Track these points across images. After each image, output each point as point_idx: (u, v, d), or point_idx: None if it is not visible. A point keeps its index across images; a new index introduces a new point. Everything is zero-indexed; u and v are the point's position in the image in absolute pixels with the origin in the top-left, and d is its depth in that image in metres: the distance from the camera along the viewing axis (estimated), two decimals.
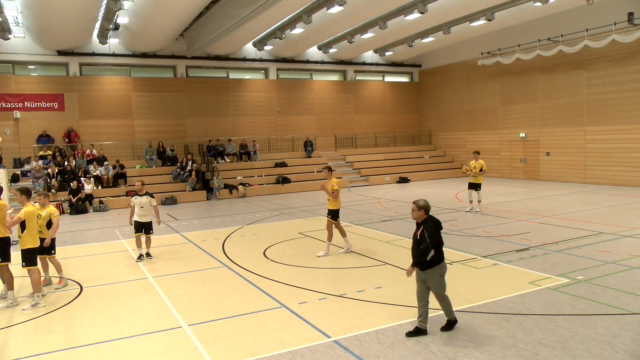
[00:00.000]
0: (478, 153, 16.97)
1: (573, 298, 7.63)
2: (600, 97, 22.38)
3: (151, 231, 11.34)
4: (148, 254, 11.38)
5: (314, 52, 29.44)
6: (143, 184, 11.40)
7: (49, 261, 9.48)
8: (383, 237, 12.78)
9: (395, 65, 32.38)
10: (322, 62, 29.99)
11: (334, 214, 11.22)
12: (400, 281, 8.87)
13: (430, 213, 6.77)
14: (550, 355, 5.76)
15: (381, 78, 32.55)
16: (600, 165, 22.53)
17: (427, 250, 6.37)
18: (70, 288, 9.29)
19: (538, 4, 20.67)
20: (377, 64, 31.59)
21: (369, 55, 31.02)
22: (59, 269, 9.45)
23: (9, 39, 22.15)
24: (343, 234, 11.33)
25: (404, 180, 27.28)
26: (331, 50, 28.90)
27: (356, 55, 30.21)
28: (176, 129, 26.25)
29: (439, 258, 6.51)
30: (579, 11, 21.96)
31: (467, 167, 16.92)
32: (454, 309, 6.71)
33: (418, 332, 6.45)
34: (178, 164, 24.46)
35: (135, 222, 11.17)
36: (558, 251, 10.60)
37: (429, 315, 6.56)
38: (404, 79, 33.57)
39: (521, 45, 24.51)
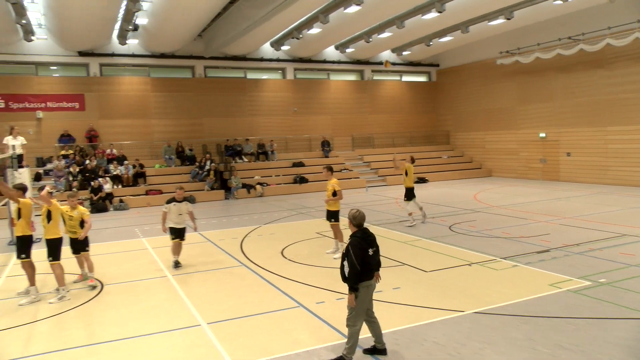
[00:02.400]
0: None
1: (594, 301, 7.53)
2: (620, 97, 21.99)
3: (184, 238, 10.84)
4: (178, 264, 10.72)
5: (330, 52, 29.45)
6: (182, 189, 10.86)
7: (83, 259, 9.63)
8: (400, 237, 12.76)
9: (413, 65, 32.23)
10: (339, 62, 29.98)
11: (334, 216, 11.18)
12: (418, 282, 8.85)
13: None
14: (568, 359, 5.70)
15: (398, 78, 32.43)
16: (621, 166, 22.14)
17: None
18: (86, 287, 9.43)
19: (558, 1, 20.41)
20: (394, 64, 31.47)
21: (387, 55, 30.91)
22: (91, 268, 9.55)
23: (32, 40, 22.55)
24: (341, 238, 11.21)
25: (422, 180, 27.14)
26: (348, 50, 28.88)
27: (373, 54, 30.15)
28: (194, 129, 26.47)
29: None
30: (601, 9, 21.61)
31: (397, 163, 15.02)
32: (471, 311, 6.65)
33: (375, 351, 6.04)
34: (196, 163, 24.66)
35: (172, 228, 10.63)
36: (579, 253, 10.46)
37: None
38: (422, 78, 33.39)
39: (541, 44, 24.22)
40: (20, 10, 19.05)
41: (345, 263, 5.70)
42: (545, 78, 25.38)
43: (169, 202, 10.69)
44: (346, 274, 5.70)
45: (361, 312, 5.80)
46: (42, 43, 23.39)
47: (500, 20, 22.90)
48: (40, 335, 7.15)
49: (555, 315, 7.01)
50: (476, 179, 27.60)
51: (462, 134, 31.43)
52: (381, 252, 6.20)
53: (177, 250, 10.68)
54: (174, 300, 8.40)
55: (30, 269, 8.74)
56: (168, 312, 7.85)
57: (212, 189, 23.34)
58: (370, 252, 5.80)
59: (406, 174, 14.53)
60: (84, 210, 9.44)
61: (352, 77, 31.20)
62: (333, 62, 29.76)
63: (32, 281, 8.75)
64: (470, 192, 21.89)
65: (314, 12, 21.14)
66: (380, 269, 6.16)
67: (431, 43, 27.43)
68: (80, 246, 9.45)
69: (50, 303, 8.42)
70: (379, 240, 6.08)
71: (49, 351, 6.53)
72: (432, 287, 8.60)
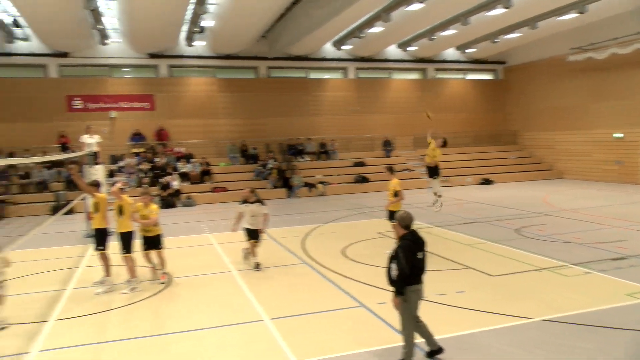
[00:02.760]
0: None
1: None
2: None
3: (259, 239, 10.50)
4: (258, 265, 10.38)
5: (392, 51, 29.17)
6: (252, 191, 10.64)
7: (157, 255, 9.77)
8: (464, 239, 12.44)
9: (478, 63, 31.36)
10: (401, 61, 29.64)
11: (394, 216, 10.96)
12: (483, 286, 8.61)
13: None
14: None
15: (462, 76, 31.65)
16: None
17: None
18: (157, 279, 9.81)
19: None
20: (458, 62, 30.76)
21: (450, 53, 30.26)
22: (163, 264, 9.79)
23: (107, 44, 23.79)
24: None
25: (487, 181, 26.37)
26: (410, 49, 28.49)
27: (436, 52, 29.59)
28: (258, 128, 27.00)
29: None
30: None
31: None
32: (539, 318, 6.38)
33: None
34: (260, 162, 25.17)
35: (246, 229, 10.43)
36: None
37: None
38: (487, 76, 32.41)
39: (617, 39, 22.88)
40: (97, 16, 20.13)
41: (393, 266, 5.59)
42: (622, 74, 23.95)
43: (243, 202, 10.54)
44: (393, 277, 5.59)
45: (411, 317, 5.71)
46: (116, 46, 24.66)
47: (571, 15, 21.83)
48: (113, 323, 7.54)
49: (632, 327, 6.61)
50: (546, 181, 26.46)
51: (530, 133, 30.25)
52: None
53: (252, 251, 10.46)
54: (237, 295, 8.61)
55: (105, 260, 9.26)
56: (232, 306, 8.06)
57: (275, 187, 23.73)
58: (420, 255, 5.68)
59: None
60: (154, 207, 9.64)
61: (414, 76, 30.77)
62: (395, 60, 29.47)
63: (107, 272, 9.25)
64: (540, 194, 21.02)
65: (376, 10, 21.02)
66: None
67: (497, 40, 26.57)
68: (153, 244, 9.62)
69: (122, 293, 8.87)
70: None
71: (121, 339, 6.88)
72: (498, 291, 8.34)
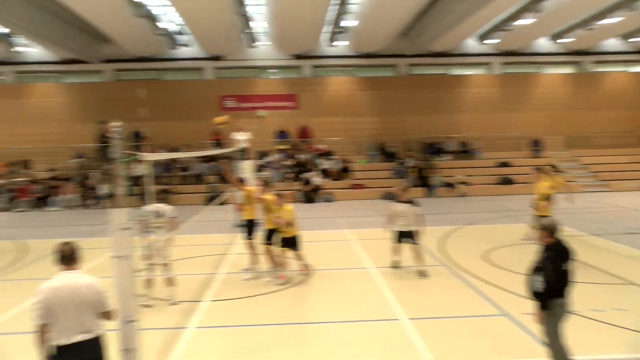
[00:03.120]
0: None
1: None
2: None
3: (415, 241, 9.73)
4: (424, 273, 9.57)
5: (542, 43, 27.12)
6: (404, 189, 10.12)
7: (294, 256, 9.71)
8: (627, 251, 11.15)
9: None
10: (553, 54, 27.46)
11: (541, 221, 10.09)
12: None
13: None
14: None
15: (625, 68, 28.37)
16: None
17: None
18: (302, 270, 10.22)
19: None
20: (621, 52, 27.63)
21: (611, 43, 27.29)
22: (283, 265, 9.55)
23: (256, 47, 25.43)
24: None
25: None
26: (563, 40, 26.23)
27: (594, 43, 26.89)
28: (396, 126, 26.88)
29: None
30: None
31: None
32: None
33: None
34: (398, 160, 25.07)
35: (396, 231, 9.88)
36: None
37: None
38: None
39: None
40: (246, 21, 21.58)
41: (537, 277, 5.15)
42: None
43: (394, 201, 10.08)
44: (537, 289, 5.16)
45: (557, 333, 5.24)
46: (265, 48, 26.26)
47: None
48: (258, 308, 8.03)
49: None
50: None
51: None
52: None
53: (398, 251, 9.94)
54: (374, 292, 8.66)
55: (252, 250, 9.89)
56: (369, 303, 8.12)
57: (413, 186, 23.42)
58: (567, 266, 5.20)
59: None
60: (289, 209, 9.47)
61: (567, 70, 28.33)
62: (545, 54, 27.42)
63: (254, 260, 9.88)
64: None
65: (525, 2, 19.70)
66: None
67: None
68: (290, 243, 9.54)
69: (267, 281, 9.39)
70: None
71: (265, 323, 7.31)
72: None
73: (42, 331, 4.20)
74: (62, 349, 4.17)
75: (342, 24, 22.55)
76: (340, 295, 8.55)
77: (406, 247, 9.85)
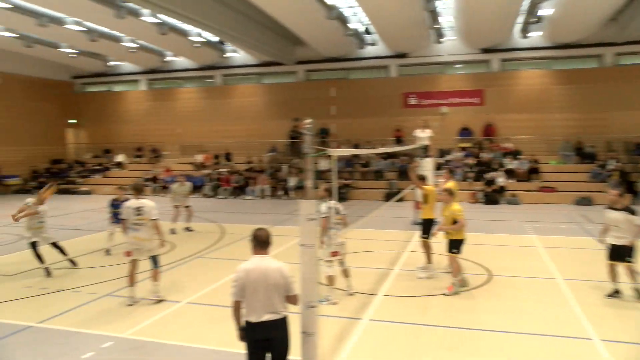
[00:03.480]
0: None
1: None
2: None
3: (629, 259, 8.04)
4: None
5: None
6: (620, 194, 8.32)
7: (451, 261, 8.84)
8: None
9: None
10: None
11: None
12: None
13: None
14: None
15: None
16: None
17: None
18: (479, 273, 9.81)
19: None
20: None
21: None
22: (457, 270, 8.72)
23: (442, 42, 24.93)
24: None
25: None
26: None
27: None
28: (597, 123, 23.97)
29: None
30: None
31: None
32: None
33: None
34: (597, 161, 22.42)
35: (610, 245, 8.29)
36: None
37: None
38: None
39: None
40: (435, 17, 21.27)
41: None
42: None
43: (607, 209, 8.48)
44: None
45: None
46: (450, 44, 25.57)
47: None
48: (433, 308, 7.92)
49: None
50: None
51: None
52: None
53: (614, 275, 8.30)
54: (562, 306, 7.90)
55: (428, 249, 9.79)
56: (554, 316, 7.45)
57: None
58: None
59: None
60: (457, 208, 8.61)
61: None
62: None
63: (429, 259, 9.78)
64: None
65: None
66: None
67: None
68: (454, 247, 8.68)
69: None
70: None
71: (438, 324, 7.18)
72: None
73: (236, 307, 4.71)
74: (251, 325, 4.63)
75: (538, 13, 20.81)
76: (521, 305, 7.99)
77: (620, 265, 8.25)
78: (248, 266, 4.69)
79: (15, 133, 28.42)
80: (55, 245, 10.39)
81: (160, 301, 8.24)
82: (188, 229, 14.99)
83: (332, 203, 8.34)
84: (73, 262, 10.64)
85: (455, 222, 8.53)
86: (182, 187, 15.31)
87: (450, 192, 8.84)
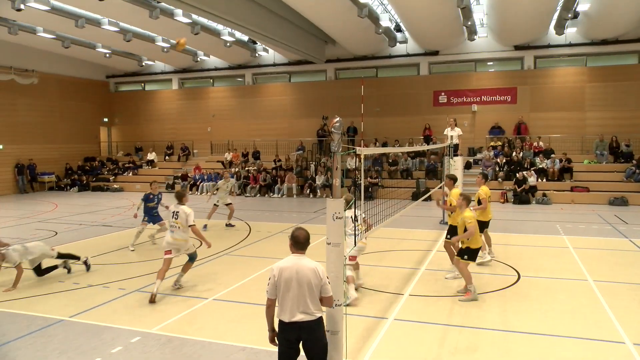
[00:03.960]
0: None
1: None
2: None
3: None
4: None
5: None
6: None
7: (462, 268, 8.42)
8: None
9: None
10: None
11: None
12: None
13: None
14: None
15: None
16: None
17: None
18: (508, 274, 9.66)
19: None
20: None
21: None
22: (469, 277, 8.30)
23: (474, 39, 24.57)
24: None
25: None
26: None
27: None
28: (635, 122, 23.27)
29: None
30: None
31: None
32: None
33: None
34: (634, 161, 21.74)
35: None
36: None
37: None
38: None
39: None
40: (468, 13, 20.97)
41: None
42: None
43: None
44: None
45: None
46: (482, 41, 25.16)
47: None
48: (459, 309, 7.80)
49: None
50: None
51: None
52: None
53: None
54: (594, 308, 7.71)
55: (450, 250, 9.66)
56: (587, 319, 7.28)
57: None
58: None
59: None
60: (468, 215, 8.32)
61: None
62: None
63: (453, 260, 9.65)
64: None
65: None
66: None
67: None
68: (468, 255, 8.39)
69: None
70: None
71: (465, 325, 7.08)
72: None
73: (269, 305, 4.68)
74: (284, 324, 4.57)
75: (574, 9, 20.26)
76: (553, 307, 7.82)
77: None
78: (283, 264, 4.64)
79: (51, 131, 29.26)
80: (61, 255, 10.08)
81: (177, 288, 8.84)
82: (230, 225, 15.22)
83: (352, 211, 7.48)
84: (69, 270, 10.16)
85: (466, 229, 8.26)
86: (227, 182, 15.39)
87: (465, 198, 8.59)
